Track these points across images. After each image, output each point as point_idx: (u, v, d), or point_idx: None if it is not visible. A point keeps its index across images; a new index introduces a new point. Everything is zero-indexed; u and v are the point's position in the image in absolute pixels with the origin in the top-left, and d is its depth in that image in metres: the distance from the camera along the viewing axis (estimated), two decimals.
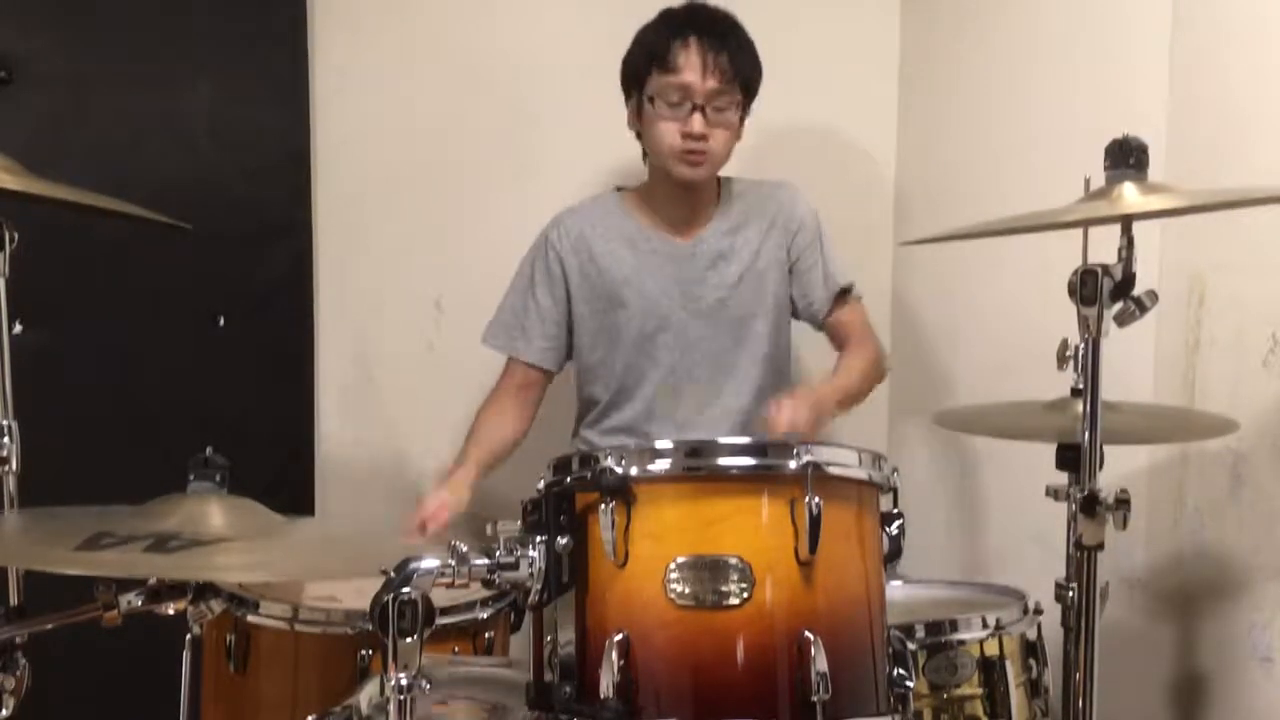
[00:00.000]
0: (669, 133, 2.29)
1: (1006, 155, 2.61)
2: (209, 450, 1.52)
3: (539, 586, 1.43)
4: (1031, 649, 1.96)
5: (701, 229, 2.42)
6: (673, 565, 1.41)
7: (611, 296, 2.41)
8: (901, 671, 1.51)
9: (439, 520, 2.17)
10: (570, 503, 1.46)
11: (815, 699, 1.38)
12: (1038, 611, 1.98)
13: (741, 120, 2.35)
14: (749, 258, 2.42)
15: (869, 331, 2.52)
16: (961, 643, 1.88)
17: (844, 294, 2.48)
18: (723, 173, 2.44)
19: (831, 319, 2.48)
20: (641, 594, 1.42)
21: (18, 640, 1.55)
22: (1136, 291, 1.70)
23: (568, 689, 1.45)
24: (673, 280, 2.41)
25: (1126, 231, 1.71)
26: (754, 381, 2.42)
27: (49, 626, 1.52)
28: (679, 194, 2.39)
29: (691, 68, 2.26)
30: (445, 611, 1.83)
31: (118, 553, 1.36)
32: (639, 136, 2.38)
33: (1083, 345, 1.69)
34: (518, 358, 2.46)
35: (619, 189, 2.50)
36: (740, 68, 2.29)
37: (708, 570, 1.41)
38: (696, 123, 2.26)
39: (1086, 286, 1.66)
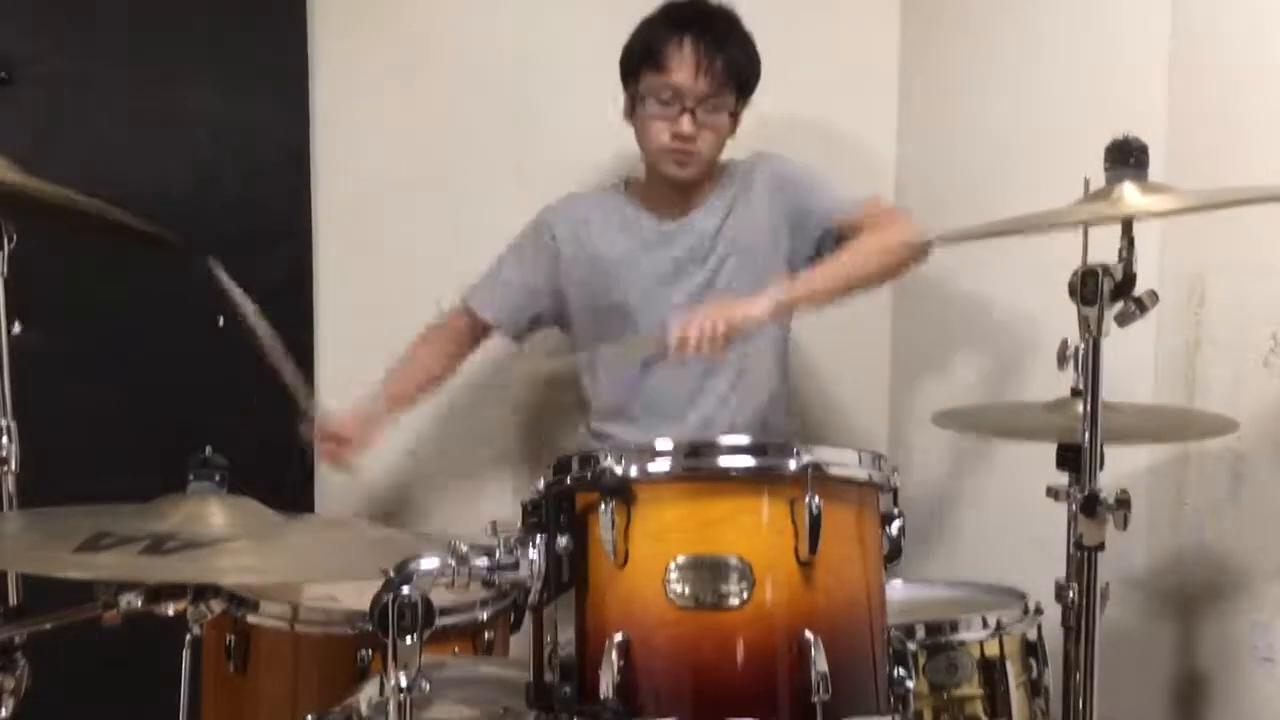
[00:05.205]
0: (659, 131, 2.28)
1: (1007, 155, 2.61)
2: (209, 450, 1.52)
3: (539, 586, 1.43)
4: (1031, 649, 1.96)
5: (696, 210, 2.39)
6: (673, 565, 1.41)
7: (605, 278, 2.39)
8: (901, 671, 1.51)
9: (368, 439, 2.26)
10: (570, 503, 1.46)
11: (815, 699, 1.38)
12: (1038, 612, 1.98)
13: (735, 118, 2.32)
14: (748, 232, 2.37)
15: (890, 213, 2.35)
16: (961, 643, 1.88)
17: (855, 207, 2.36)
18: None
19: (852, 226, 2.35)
20: (641, 594, 1.42)
21: (18, 640, 1.55)
22: (1137, 291, 1.70)
23: (568, 689, 1.45)
24: (667, 262, 2.38)
25: (1127, 232, 1.71)
26: (736, 367, 2.38)
27: (49, 626, 1.52)
28: (673, 183, 2.37)
29: (684, 69, 2.23)
30: (445, 611, 1.84)
31: (114, 555, 1.36)
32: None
33: (1083, 345, 1.70)
34: (474, 311, 2.44)
35: (626, 182, 2.47)
36: (735, 70, 2.26)
37: (708, 570, 1.41)
38: (685, 124, 2.24)
39: (1087, 286, 1.66)
